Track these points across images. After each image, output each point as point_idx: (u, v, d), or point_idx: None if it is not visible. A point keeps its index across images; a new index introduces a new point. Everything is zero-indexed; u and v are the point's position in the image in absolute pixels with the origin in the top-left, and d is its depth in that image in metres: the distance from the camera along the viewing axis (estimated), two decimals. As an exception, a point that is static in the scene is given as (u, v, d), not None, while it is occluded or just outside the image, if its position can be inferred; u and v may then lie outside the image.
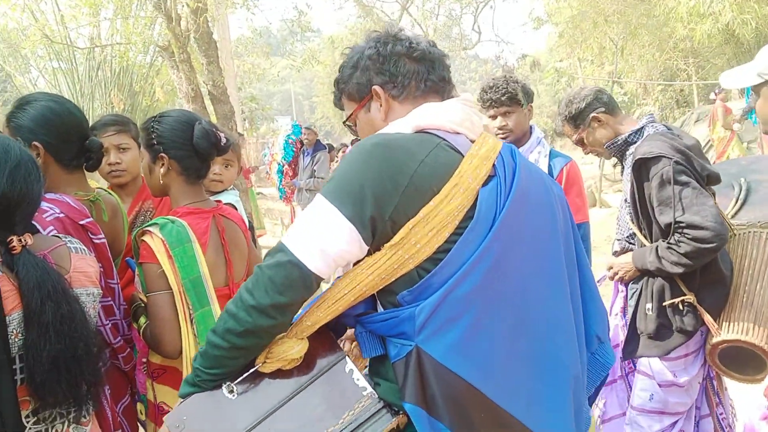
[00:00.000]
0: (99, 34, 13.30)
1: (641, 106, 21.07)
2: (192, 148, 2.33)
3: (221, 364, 1.60)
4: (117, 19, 12.00)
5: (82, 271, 1.96)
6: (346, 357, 1.66)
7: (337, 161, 11.20)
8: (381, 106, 1.78)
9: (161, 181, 2.36)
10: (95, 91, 14.01)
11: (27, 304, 1.72)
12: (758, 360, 2.71)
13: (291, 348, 1.60)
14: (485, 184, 1.59)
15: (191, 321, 2.23)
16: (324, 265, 1.55)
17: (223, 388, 1.60)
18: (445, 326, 1.51)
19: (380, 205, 1.52)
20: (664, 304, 2.81)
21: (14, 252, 1.76)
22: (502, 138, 3.50)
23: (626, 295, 3.14)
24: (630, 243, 3.10)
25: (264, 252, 2.08)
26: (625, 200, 3.04)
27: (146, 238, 2.22)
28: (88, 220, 2.30)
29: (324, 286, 1.71)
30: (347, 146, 12.68)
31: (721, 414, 3.07)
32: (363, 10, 22.46)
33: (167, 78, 12.73)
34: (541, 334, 1.60)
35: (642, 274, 2.92)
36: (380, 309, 1.65)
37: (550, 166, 3.46)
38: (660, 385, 2.94)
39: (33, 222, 1.96)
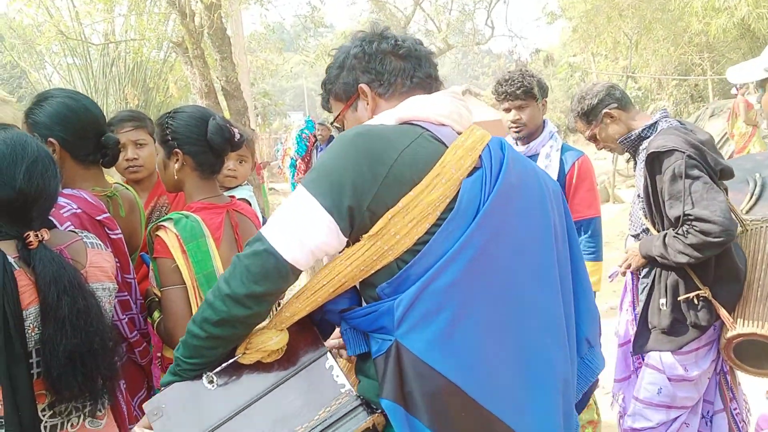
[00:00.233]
0: (113, 30, 13.34)
1: (655, 101, 20.94)
2: (206, 144, 2.35)
3: (199, 353, 1.60)
4: (131, 15, 12.03)
5: (98, 266, 1.98)
6: (328, 353, 1.63)
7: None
8: (368, 104, 1.76)
9: (175, 177, 2.37)
10: (109, 87, 14.07)
11: (44, 299, 1.75)
12: (772, 353, 2.71)
13: (269, 339, 1.59)
14: (470, 175, 1.55)
15: (205, 316, 2.24)
16: (301, 255, 1.53)
17: (204, 378, 1.60)
18: (425, 320, 1.47)
19: (358, 195, 1.50)
20: (679, 299, 2.80)
21: (31, 247, 1.78)
22: (516, 132, 3.50)
23: (632, 285, 3.15)
24: (644, 238, 3.09)
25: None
26: (638, 195, 3.03)
27: (160, 233, 2.24)
28: (105, 215, 2.32)
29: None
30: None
31: (735, 409, 3.06)
32: (376, 5, 22.41)
33: (181, 74, 12.76)
34: (529, 332, 1.55)
35: (648, 262, 2.92)
36: (364, 304, 1.62)
37: (561, 160, 3.46)
38: (670, 379, 2.94)
39: (50, 217, 1.98)
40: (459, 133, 1.64)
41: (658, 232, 2.88)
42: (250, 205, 2.97)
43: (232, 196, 2.63)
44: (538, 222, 1.62)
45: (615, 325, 3.41)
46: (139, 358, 2.49)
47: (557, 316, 1.62)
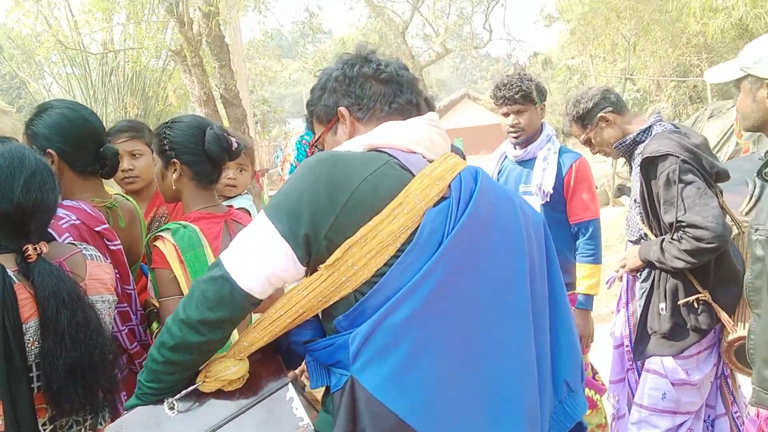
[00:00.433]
0: (112, 39, 13.37)
1: (654, 102, 20.91)
2: (204, 154, 2.35)
3: (157, 378, 1.59)
4: (130, 23, 12.07)
5: (98, 278, 1.98)
6: (290, 384, 1.60)
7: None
8: (346, 128, 1.71)
9: (173, 187, 2.37)
10: (108, 97, 14.06)
11: (43, 312, 1.75)
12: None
13: (227, 368, 1.58)
14: (436, 205, 1.49)
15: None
16: (257, 283, 1.50)
17: (165, 404, 1.59)
18: (380, 355, 1.41)
19: (315, 223, 1.46)
20: (679, 303, 2.80)
21: (30, 260, 1.78)
22: (514, 136, 3.51)
23: (627, 287, 3.15)
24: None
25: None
26: (635, 200, 3.03)
27: (158, 243, 2.24)
28: (104, 226, 2.32)
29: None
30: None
31: (736, 412, 3.06)
32: (374, 10, 22.42)
33: (180, 82, 12.78)
34: (494, 371, 1.49)
35: (645, 265, 2.92)
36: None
37: (559, 162, 3.47)
38: (673, 384, 2.93)
39: (49, 230, 1.98)
40: (430, 161, 1.59)
41: (656, 236, 2.88)
42: (249, 214, 2.97)
43: (230, 206, 2.63)
44: (511, 256, 1.56)
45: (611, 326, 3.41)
46: (139, 369, 2.48)
47: (527, 355, 1.55)
